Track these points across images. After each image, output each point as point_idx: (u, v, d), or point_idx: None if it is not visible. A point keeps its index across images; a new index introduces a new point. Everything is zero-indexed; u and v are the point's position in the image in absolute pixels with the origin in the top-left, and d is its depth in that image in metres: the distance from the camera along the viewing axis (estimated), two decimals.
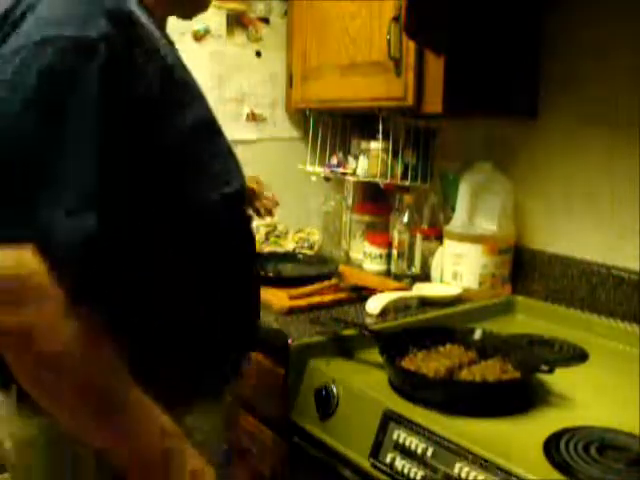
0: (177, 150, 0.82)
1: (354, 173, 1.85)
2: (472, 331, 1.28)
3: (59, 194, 0.68)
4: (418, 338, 1.25)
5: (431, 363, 1.15)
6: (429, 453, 0.97)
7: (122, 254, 0.78)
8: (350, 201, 2.05)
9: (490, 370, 1.13)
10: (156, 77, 0.80)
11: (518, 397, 1.08)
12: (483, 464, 0.90)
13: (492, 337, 1.26)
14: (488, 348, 1.22)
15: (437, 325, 1.41)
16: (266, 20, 2.00)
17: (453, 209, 1.67)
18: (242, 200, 0.95)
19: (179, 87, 0.85)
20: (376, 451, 1.04)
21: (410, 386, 1.10)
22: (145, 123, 0.77)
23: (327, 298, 1.52)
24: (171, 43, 0.94)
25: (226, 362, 1.00)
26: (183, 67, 0.90)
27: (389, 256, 1.84)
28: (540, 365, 1.08)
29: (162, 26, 0.95)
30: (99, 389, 0.73)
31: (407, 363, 1.17)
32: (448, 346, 1.23)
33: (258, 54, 2.00)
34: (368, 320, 1.42)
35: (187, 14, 1.04)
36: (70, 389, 0.71)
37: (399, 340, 1.23)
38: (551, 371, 1.07)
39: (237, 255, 0.95)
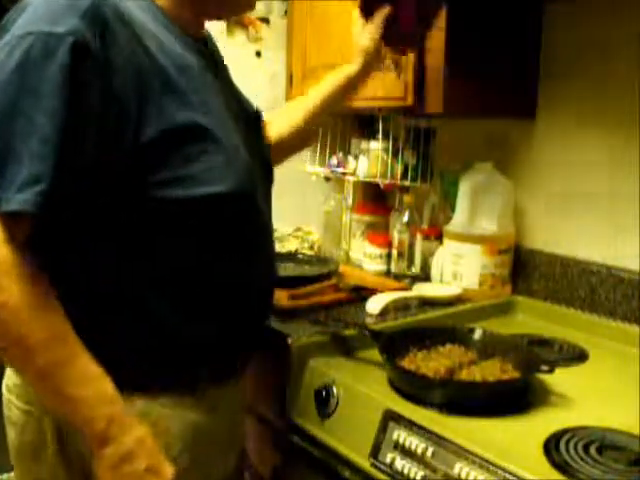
0: (145, 149, 0.84)
1: (354, 173, 1.85)
2: (472, 331, 1.28)
3: (13, 172, 0.76)
4: (418, 338, 1.25)
5: (431, 363, 1.15)
6: (429, 453, 0.97)
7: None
8: (350, 201, 2.05)
9: (490, 370, 1.13)
10: (135, 75, 0.83)
11: (518, 397, 1.08)
12: (483, 464, 0.90)
13: (492, 337, 1.26)
14: (488, 348, 1.22)
15: (437, 325, 1.41)
16: (266, 20, 2.00)
17: (453, 209, 1.67)
18: (233, 202, 0.93)
19: (163, 88, 0.86)
20: (376, 451, 1.04)
21: (410, 386, 1.11)
22: (114, 118, 0.81)
23: (327, 298, 1.52)
24: (196, 47, 0.97)
25: (225, 360, 1.01)
26: (185, 71, 0.90)
27: (389, 256, 1.84)
28: (540, 365, 1.08)
29: (188, 28, 0.97)
30: (38, 347, 0.78)
31: (407, 363, 1.17)
32: (448, 346, 1.23)
33: (258, 54, 2.00)
34: (368, 320, 1.42)
35: (223, 15, 1.06)
36: (11, 341, 0.78)
37: (399, 340, 1.23)
38: (551, 371, 1.07)
39: (226, 256, 0.95)
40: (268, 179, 1.12)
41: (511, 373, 1.13)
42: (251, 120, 1.12)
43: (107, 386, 0.82)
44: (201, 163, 0.88)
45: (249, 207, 0.97)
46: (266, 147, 1.15)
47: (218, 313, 0.96)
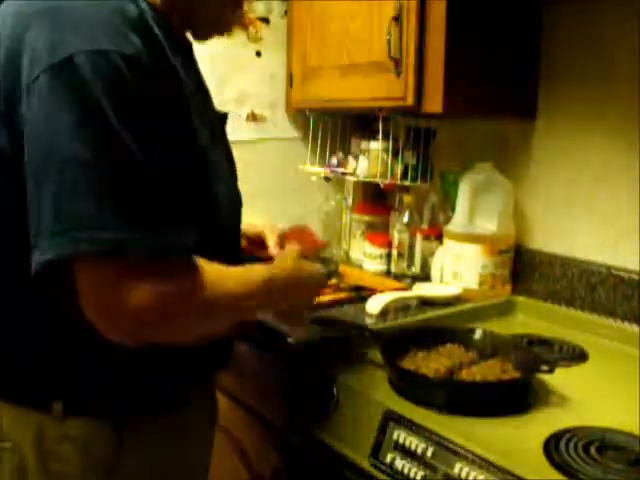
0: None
1: (354, 173, 1.85)
2: (472, 331, 1.28)
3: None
4: (418, 338, 1.25)
5: (431, 363, 1.15)
6: (429, 453, 0.97)
7: None
8: (350, 201, 2.05)
9: (490, 370, 1.13)
10: (166, 92, 0.83)
11: (518, 397, 1.08)
12: (483, 464, 0.90)
13: (492, 337, 1.26)
14: (488, 348, 1.22)
15: (437, 325, 1.41)
16: (266, 20, 1.99)
17: (453, 209, 1.67)
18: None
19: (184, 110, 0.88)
20: (376, 451, 1.04)
21: (410, 386, 1.11)
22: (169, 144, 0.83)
23: (327, 298, 1.52)
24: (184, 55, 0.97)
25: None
26: (184, 74, 0.91)
27: (389, 256, 1.84)
28: (540, 365, 1.08)
29: (178, 37, 0.96)
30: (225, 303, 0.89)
31: (407, 363, 1.17)
32: (448, 346, 1.23)
33: (258, 54, 2.00)
34: (368, 320, 1.42)
35: (200, 35, 1.02)
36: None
37: (399, 340, 1.23)
38: (551, 371, 1.07)
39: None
40: (234, 177, 1.11)
41: (511, 373, 1.13)
42: (221, 122, 1.11)
43: (255, 275, 0.94)
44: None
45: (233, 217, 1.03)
46: (230, 147, 1.13)
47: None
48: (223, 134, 1.07)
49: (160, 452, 0.94)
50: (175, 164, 0.83)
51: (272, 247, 1.22)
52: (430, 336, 1.26)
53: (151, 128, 0.79)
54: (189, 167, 0.87)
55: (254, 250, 1.25)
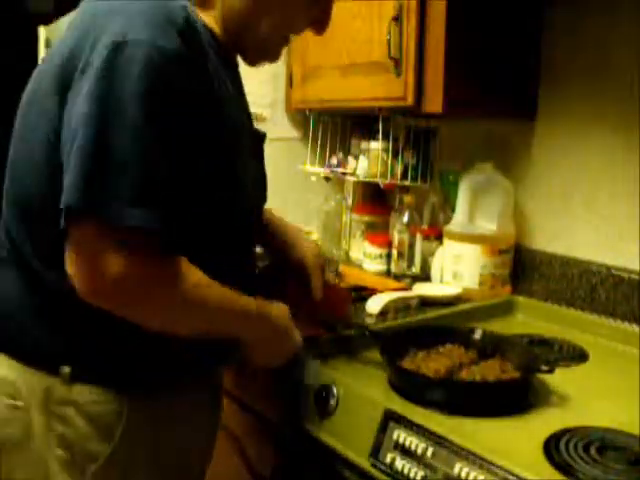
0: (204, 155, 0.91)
1: (354, 173, 1.85)
2: (472, 331, 1.28)
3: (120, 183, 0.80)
4: (418, 338, 1.25)
5: (431, 363, 1.15)
6: (429, 453, 0.97)
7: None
8: (350, 201, 2.05)
9: (490, 370, 1.13)
10: (201, 93, 0.88)
11: (518, 397, 1.08)
12: (483, 464, 0.90)
13: (492, 337, 1.26)
14: (488, 348, 1.22)
15: (437, 325, 1.41)
16: None
17: (453, 209, 1.67)
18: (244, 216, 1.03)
19: (220, 114, 0.93)
20: (376, 451, 1.04)
21: (410, 386, 1.10)
22: (196, 143, 0.88)
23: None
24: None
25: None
26: (228, 90, 0.97)
27: (389, 256, 1.84)
28: (540, 365, 1.08)
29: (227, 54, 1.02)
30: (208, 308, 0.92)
31: (407, 363, 1.17)
32: (448, 346, 1.23)
33: None
34: (368, 320, 1.42)
35: (248, 59, 1.08)
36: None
37: (399, 340, 1.23)
38: (551, 371, 1.07)
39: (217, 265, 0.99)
40: (264, 195, 1.16)
41: (511, 373, 1.13)
42: (258, 140, 1.16)
43: (244, 300, 0.97)
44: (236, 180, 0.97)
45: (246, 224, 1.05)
46: (264, 168, 1.18)
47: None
48: (259, 151, 1.15)
49: (160, 429, 0.97)
50: (197, 157, 0.88)
51: (316, 290, 1.21)
52: (430, 336, 1.26)
53: (181, 119, 0.84)
54: (211, 163, 0.91)
55: (281, 275, 1.24)
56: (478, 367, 1.14)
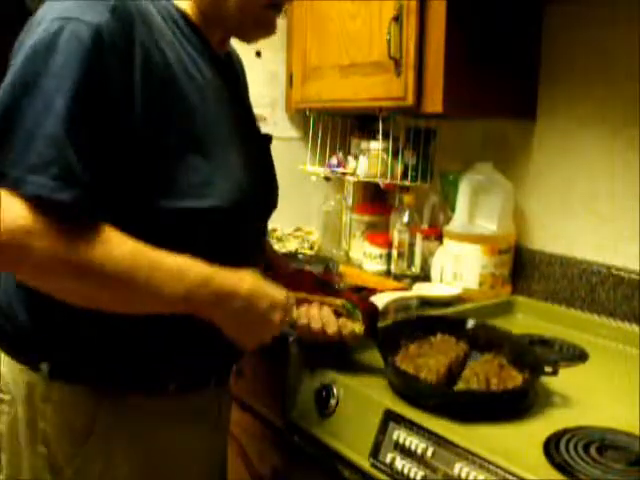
0: (148, 147, 0.86)
1: (354, 173, 1.85)
2: (463, 322, 1.27)
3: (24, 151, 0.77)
4: (410, 330, 1.24)
5: (430, 360, 1.13)
6: (429, 453, 0.97)
7: None
8: (350, 201, 2.05)
9: (490, 368, 1.11)
10: (149, 77, 0.85)
11: (520, 402, 1.08)
12: (483, 464, 0.90)
13: (484, 329, 1.25)
14: (480, 339, 1.21)
15: (426, 315, 1.40)
16: None
17: (453, 209, 1.67)
18: (226, 216, 0.94)
19: (169, 97, 0.88)
20: (376, 451, 1.04)
21: (412, 392, 1.09)
22: (124, 112, 0.83)
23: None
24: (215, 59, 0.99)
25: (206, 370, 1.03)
26: (192, 79, 0.92)
27: (389, 256, 1.84)
28: (543, 368, 1.08)
29: (210, 39, 0.99)
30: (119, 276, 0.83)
31: (403, 362, 1.15)
32: (439, 336, 1.22)
33: (258, 54, 2.00)
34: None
35: (242, 37, 1.05)
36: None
37: (391, 334, 1.22)
38: (555, 373, 1.06)
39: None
40: (269, 201, 1.12)
41: (509, 370, 1.11)
42: (261, 142, 1.14)
43: (199, 269, 0.87)
44: (191, 176, 0.89)
45: (232, 225, 0.97)
46: (273, 170, 1.15)
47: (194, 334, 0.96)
48: (264, 152, 1.12)
49: (138, 431, 0.95)
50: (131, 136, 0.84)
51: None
52: (421, 326, 1.25)
53: (103, 95, 0.81)
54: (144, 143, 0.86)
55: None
56: (478, 365, 1.13)
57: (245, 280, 0.93)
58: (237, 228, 0.97)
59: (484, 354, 1.18)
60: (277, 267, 1.26)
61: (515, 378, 1.10)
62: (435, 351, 1.17)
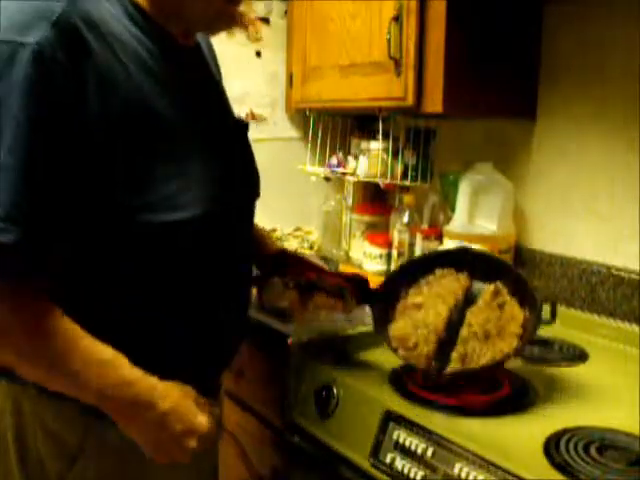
0: (115, 166, 0.82)
1: (354, 173, 1.85)
2: (464, 251, 1.27)
3: None
4: (407, 275, 1.22)
5: (429, 313, 1.11)
6: (429, 453, 0.97)
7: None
8: (350, 201, 2.05)
9: (489, 317, 1.10)
10: (106, 88, 0.81)
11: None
12: (483, 464, 0.90)
13: (483, 257, 1.26)
14: (479, 268, 1.20)
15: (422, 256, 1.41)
16: (266, 20, 2.00)
17: (453, 209, 1.67)
18: (206, 225, 0.91)
19: (134, 116, 0.84)
20: (376, 451, 1.04)
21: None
22: (81, 134, 0.79)
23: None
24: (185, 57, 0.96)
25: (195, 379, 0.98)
26: (157, 83, 0.88)
27: (389, 256, 1.84)
28: (541, 309, 1.08)
29: (171, 31, 0.94)
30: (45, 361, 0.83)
31: (399, 315, 1.14)
32: (438, 272, 1.20)
33: (258, 54, 2.00)
34: (368, 320, 1.41)
35: (204, 29, 1.02)
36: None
37: (390, 288, 1.21)
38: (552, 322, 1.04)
39: (200, 278, 0.93)
40: (252, 192, 1.10)
41: (510, 307, 1.10)
42: (238, 132, 1.09)
43: (123, 371, 0.85)
44: (163, 190, 0.86)
45: (215, 229, 0.94)
46: (252, 160, 1.11)
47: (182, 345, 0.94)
48: (242, 141, 1.08)
49: (128, 447, 0.91)
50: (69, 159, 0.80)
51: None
52: (418, 268, 1.23)
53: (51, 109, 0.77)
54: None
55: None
56: (477, 312, 1.11)
57: (169, 397, 0.88)
58: (220, 231, 0.95)
59: (485, 283, 1.16)
60: (263, 247, 1.23)
61: (517, 318, 1.08)
62: (435, 295, 1.15)
